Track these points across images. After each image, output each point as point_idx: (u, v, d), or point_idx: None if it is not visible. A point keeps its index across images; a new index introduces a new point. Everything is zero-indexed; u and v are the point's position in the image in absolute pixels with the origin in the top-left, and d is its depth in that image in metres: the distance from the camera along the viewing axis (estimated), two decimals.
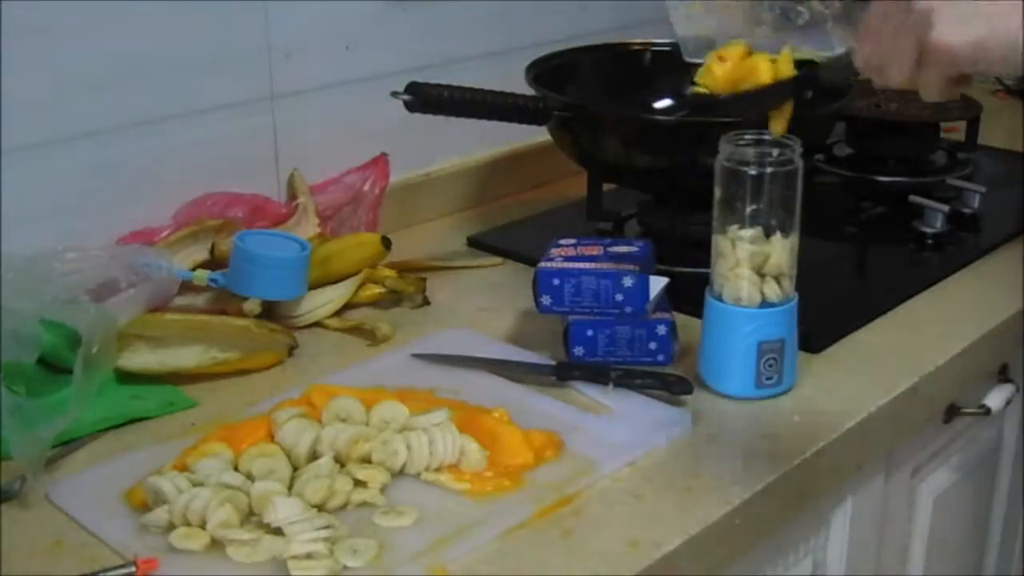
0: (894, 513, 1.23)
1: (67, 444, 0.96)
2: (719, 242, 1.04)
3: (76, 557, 0.84)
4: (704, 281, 1.06)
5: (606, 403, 1.04)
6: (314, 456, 0.92)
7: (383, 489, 0.90)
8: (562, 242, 1.15)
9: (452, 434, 0.93)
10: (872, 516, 1.19)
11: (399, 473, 0.92)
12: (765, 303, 1.03)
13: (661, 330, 1.09)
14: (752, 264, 1.02)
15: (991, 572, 1.52)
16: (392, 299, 1.24)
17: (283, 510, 0.84)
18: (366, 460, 0.92)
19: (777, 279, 1.03)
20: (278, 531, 0.84)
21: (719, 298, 1.04)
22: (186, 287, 1.15)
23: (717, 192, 1.03)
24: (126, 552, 0.83)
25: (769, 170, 1.00)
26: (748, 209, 1.01)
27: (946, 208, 1.42)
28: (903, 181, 1.58)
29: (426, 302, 1.24)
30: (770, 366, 1.04)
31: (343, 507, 0.88)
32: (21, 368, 0.98)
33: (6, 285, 0.99)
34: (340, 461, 0.92)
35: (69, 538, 0.86)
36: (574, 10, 1.54)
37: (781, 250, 1.02)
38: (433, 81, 1.24)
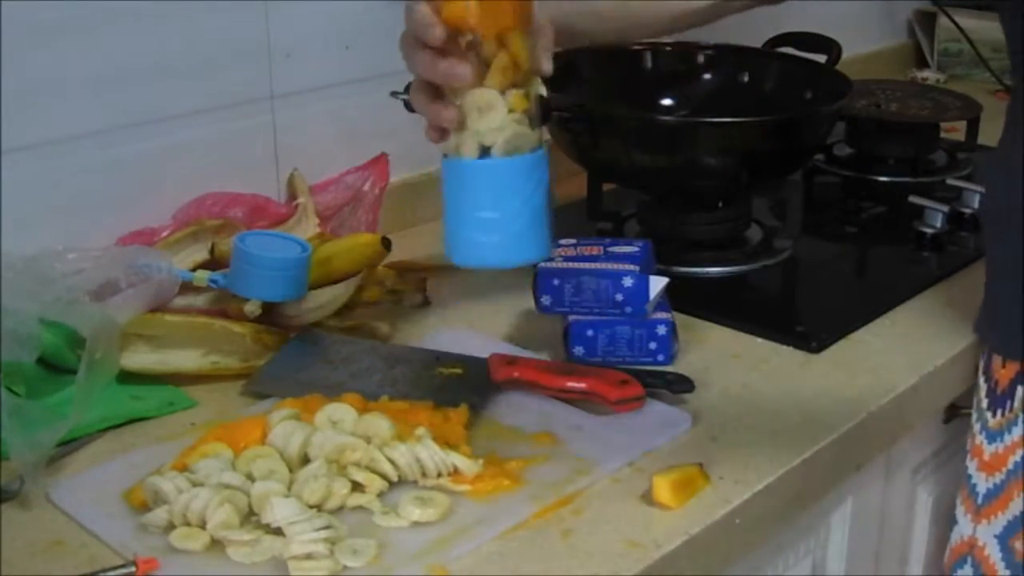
0: (894, 513, 1.23)
1: (67, 444, 0.96)
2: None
3: (76, 557, 0.84)
4: (705, 281, 1.05)
5: None
6: (306, 459, 0.92)
7: (381, 495, 0.89)
8: (562, 242, 1.15)
9: (436, 452, 0.91)
10: (872, 516, 1.19)
11: (394, 484, 0.91)
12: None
13: (661, 330, 1.09)
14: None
15: None
16: (392, 299, 1.23)
17: (281, 510, 0.84)
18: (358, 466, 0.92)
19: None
20: (278, 531, 0.84)
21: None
22: (186, 287, 1.15)
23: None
24: (126, 552, 0.83)
25: None
26: None
27: (946, 208, 1.42)
28: (903, 181, 1.59)
29: (426, 302, 1.24)
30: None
31: (341, 508, 0.88)
32: (21, 368, 0.98)
33: (6, 285, 0.99)
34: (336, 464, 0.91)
35: (69, 538, 0.86)
36: None
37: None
38: None
